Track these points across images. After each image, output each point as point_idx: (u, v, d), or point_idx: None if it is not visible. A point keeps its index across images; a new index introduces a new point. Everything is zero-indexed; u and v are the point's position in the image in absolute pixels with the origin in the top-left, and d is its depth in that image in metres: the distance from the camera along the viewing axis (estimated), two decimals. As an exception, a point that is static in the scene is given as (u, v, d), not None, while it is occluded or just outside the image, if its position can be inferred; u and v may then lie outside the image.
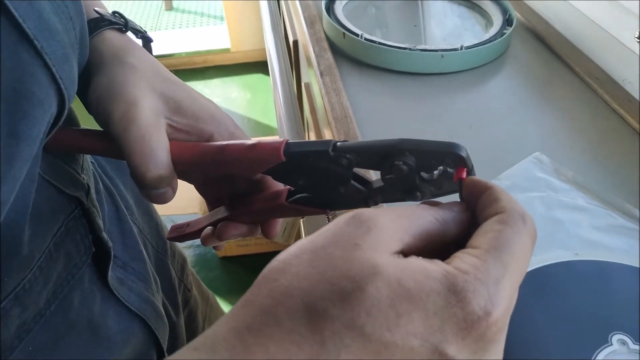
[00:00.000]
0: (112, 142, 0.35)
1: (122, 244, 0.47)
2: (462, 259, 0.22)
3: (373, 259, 0.21)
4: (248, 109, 2.64)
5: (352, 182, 0.31)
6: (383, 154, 0.29)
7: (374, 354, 0.20)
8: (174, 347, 0.56)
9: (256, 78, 2.83)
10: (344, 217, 0.23)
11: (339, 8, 0.81)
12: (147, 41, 0.43)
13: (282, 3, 1.25)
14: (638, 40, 0.61)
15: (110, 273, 0.42)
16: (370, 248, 0.22)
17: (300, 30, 0.87)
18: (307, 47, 0.77)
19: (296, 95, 1.16)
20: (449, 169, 0.28)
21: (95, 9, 0.38)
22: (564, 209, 0.48)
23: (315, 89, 0.71)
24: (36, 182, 0.32)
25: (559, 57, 0.73)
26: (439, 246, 0.25)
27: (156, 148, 0.33)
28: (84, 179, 0.40)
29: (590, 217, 0.47)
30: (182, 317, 0.62)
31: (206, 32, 3.15)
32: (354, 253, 0.21)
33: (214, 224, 0.40)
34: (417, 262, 0.22)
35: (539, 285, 0.41)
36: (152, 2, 3.51)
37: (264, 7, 1.30)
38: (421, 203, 0.27)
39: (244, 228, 0.39)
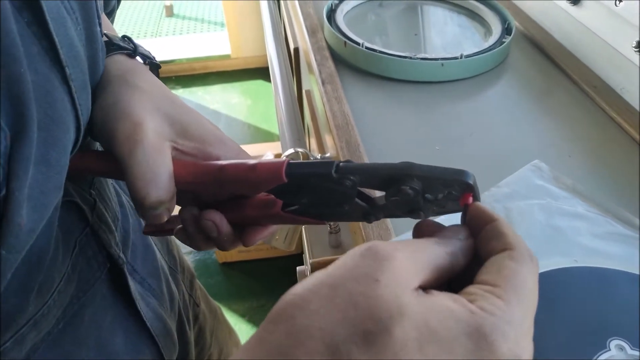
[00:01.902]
0: (111, 162, 0.34)
1: (143, 259, 0.47)
2: (486, 299, 0.21)
3: (398, 297, 0.20)
4: (248, 115, 2.65)
5: (356, 199, 0.30)
6: (389, 178, 0.28)
7: None
8: None
9: (257, 84, 2.83)
10: (359, 250, 0.22)
11: (340, 17, 0.81)
12: (155, 67, 0.42)
13: (283, 9, 1.26)
14: (636, 49, 0.62)
15: (132, 286, 0.42)
16: (391, 284, 0.20)
17: (301, 38, 0.88)
18: (308, 55, 0.78)
19: (297, 101, 1.17)
20: (454, 192, 0.28)
21: (105, 32, 0.38)
22: (563, 216, 0.49)
23: (317, 96, 0.72)
24: (59, 209, 0.31)
25: (557, 66, 0.73)
26: (446, 280, 0.24)
27: (160, 173, 0.32)
28: (92, 194, 0.39)
29: (589, 225, 0.48)
30: (192, 333, 0.61)
31: (207, 38, 3.16)
32: (376, 290, 0.20)
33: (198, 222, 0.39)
34: (441, 301, 0.21)
35: (539, 291, 0.42)
36: (152, 8, 3.52)
37: (265, 13, 1.31)
38: (422, 222, 0.28)
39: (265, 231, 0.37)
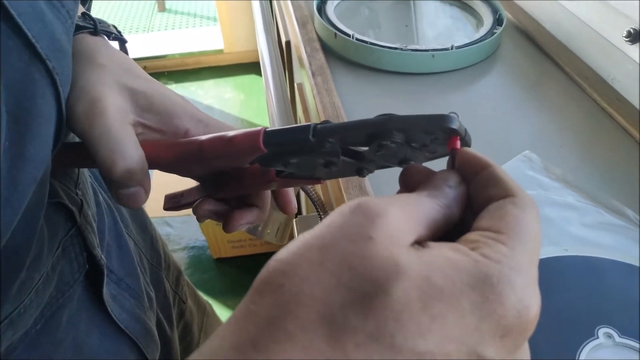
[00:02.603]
0: (81, 150, 0.33)
1: (118, 259, 0.46)
2: (489, 246, 0.20)
3: (393, 255, 0.18)
4: (242, 109, 2.64)
5: (342, 157, 0.29)
6: (369, 134, 0.27)
7: None
8: None
9: (250, 79, 2.83)
10: (348, 207, 0.20)
11: (330, 9, 0.81)
12: (121, 42, 0.41)
13: (275, 3, 1.25)
14: (626, 39, 0.62)
15: (104, 289, 0.41)
16: (386, 241, 0.19)
17: (292, 31, 0.87)
18: (299, 47, 0.78)
19: (289, 95, 1.16)
20: (439, 139, 0.26)
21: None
22: (554, 206, 0.49)
23: (308, 89, 0.72)
24: (45, 207, 0.31)
25: (548, 57, 0.73)
26: (443, 232, 0.22)
27: (123, 140, 0.31)
28: (77, 194, 0.39)
29: (579, 215, 0.48)
30: (176, 331, 0.60)
31: (199, 33, 3.15)
32: (369, 249, 0.18)
33: (206, 196, 0.38)
34: (440, 253, 0.19)
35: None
36: (144, 3, 3.50)
37: (256, 7, 1.31)
38: (407, 168, 0.26)
39: (252, 214, 0.37)
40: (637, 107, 0.60)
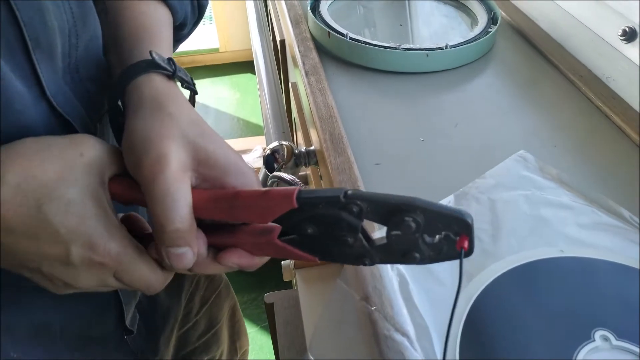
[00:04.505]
0: (139, 191, 0.35)
1: None
2: None
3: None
4: (237, 108, 2.64)
5: (359, 235, 0.32)
6: (394, 208, 0.30)
7: None
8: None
9: (245, 78, 2.82)
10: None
11: (324, 8, 0.80)
12: (192, 93, 0.44)
13: (269, 2, 1.25)
14: (622, 38, 0.61)
15: None
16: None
17: (286, 30, 0.87)
18: (292, 46, 0.77)
19: (283, 95, 1.16)
20: (451, 235, 0.30)
21: (151, 50, 0.39)
22: (549, 206, 0.48)
23: (301, 88, 0.71)
24: None
25: (543, 55, 0.73)
26: None
27: (178, 200, 0.33)
28: None
29: (575, 215, 0.48)
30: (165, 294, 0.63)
31: (195, 32, 3.13)
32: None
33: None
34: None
35: (525, 281, 0.41)
36: (140, 2, 3.48)
37: (250, 6, 1.30)
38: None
39: (247, 258, 0.37)
40: (633, 105, 0.60)
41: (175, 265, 0.34)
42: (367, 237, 0.32)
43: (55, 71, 0.38)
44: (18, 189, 0.31)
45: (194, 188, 0.35)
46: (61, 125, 0.39)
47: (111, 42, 0.43)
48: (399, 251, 0.31)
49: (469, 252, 0.30)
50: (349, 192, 0.31)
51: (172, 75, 0.40)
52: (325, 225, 0.32)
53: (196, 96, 0.45)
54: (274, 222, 0.33)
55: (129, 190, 0.36)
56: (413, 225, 0.29)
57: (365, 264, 0.33)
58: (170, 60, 0.41)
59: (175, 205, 0.33)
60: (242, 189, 0.35)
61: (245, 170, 0.37)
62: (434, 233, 0.30)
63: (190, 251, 0.34)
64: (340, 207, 0.31)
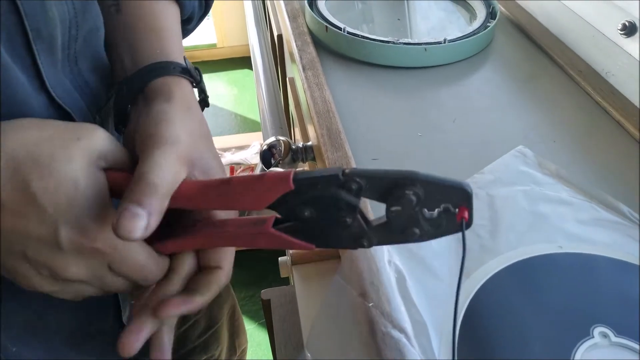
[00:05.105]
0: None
1: None
2: None
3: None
4: (235, 104, 2.63)
5: (358, 215, 0.31)
6: (393, 183, 0.29)
7: None
8: None
9: (243, 73, 2.81)
10: None
11: (321, 2, 0.80)
12: (204, 104, 0.45)
13: (267, -3, 1.24)
14: (621, 32, 0.61)
15: None
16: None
17: (283, 25, 0.86)
18: (289, 41, 0.76)
19: (281, 90, 1.15)
20: (451, 208, 0.29)
21: (185, 58, 0.43)
22: (548, 202, 0.48)
23: (298, 83, 0.70)
24: None
25: (542, 50, 0.72)
26: None
27: (170, 167, 0.33)
28: None
29: (574, 211, 0.47)
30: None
31: (192, 28, 3.12)
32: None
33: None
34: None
35: (523, 277, 0.41)
36: (137, -3, 3.47)
37: (247, 2, 1.29)
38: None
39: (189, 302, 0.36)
40: (632, 101, 0.60)
41: (121, 224, 0.30)
42: (365, 219, 0.31)
43: (54, 63, 0.38)
44: (11, 162, 0.30)
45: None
46: (61, 116, 0.38)
47: (120, 37, 0.43)
48: (398, 228, 0.30)
49: (469, 223, 0.29)
50: (347, 170, 0.30)
51: (195, 84, 0.42)
52: (322, 207, 0.31)
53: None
54: (269, 207, 0.32)
55: (126, 183, 0.34)
56: (414, 198, 0.29)
57: (363, 246, 0.32)
58: (197, 69, 0.42)
59: (165, 168, 0.32)
60: (235, 175, 0.35)
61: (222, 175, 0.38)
62: (433, 206, 0.29)
63: (145, 218, 0.31)
64: (339, 186, 0.30)
